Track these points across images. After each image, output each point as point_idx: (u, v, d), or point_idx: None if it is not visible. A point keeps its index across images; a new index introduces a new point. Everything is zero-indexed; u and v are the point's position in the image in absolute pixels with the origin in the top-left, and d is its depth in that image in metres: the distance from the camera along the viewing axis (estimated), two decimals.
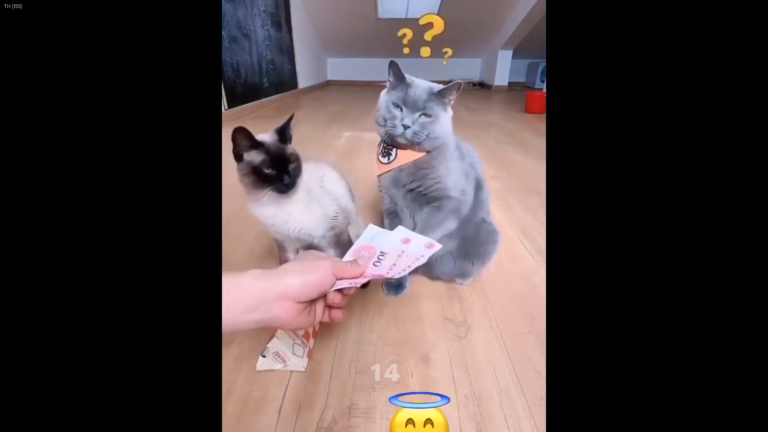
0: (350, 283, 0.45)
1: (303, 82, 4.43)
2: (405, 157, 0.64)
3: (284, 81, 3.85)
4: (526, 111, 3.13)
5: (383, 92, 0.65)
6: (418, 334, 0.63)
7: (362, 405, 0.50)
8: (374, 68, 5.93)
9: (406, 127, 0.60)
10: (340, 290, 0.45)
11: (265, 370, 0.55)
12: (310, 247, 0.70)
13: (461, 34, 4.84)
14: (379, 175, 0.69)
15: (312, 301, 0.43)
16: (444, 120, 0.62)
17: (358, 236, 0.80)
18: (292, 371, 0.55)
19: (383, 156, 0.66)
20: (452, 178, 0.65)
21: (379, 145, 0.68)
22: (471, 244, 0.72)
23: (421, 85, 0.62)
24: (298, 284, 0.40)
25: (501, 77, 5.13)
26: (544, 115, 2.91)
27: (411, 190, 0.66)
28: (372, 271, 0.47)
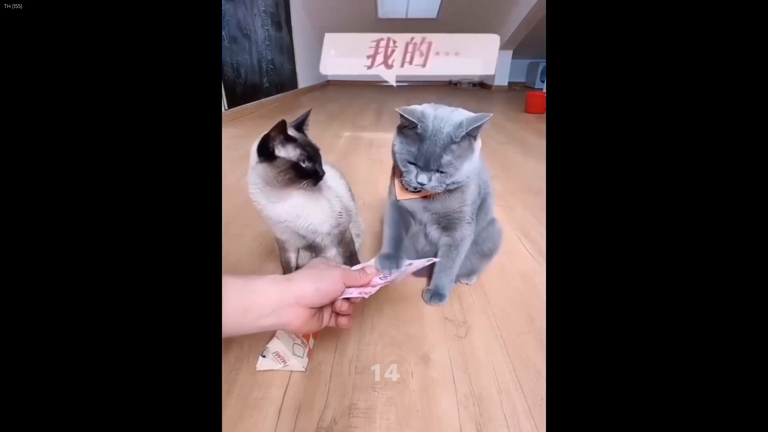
0: (359, 293, 0.47)
1: (303, 82, 4.43)
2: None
3: (284, 81, 3.85)
4: (526, 111, 3.13)
5: (396, 135, 0.57)
6: (418, 334, 0.63)
7: (362, 405, 0.50)
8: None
9: (422, 184, 0.54)
10: (347, 299, 0.46)
11: (265, 370, 0.55)
12: (312, 246, 0.70)
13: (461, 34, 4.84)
14: (401, 199, 0.63)
15: (320, 307, 0.44)
16: (467, 166, 0.54)
17: (358, 236, 0.80)
18: (292, 371, 0.55)
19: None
20: (469, 201, 0.63)
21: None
22: (480, 247, 0.72)
23: (437, 135, 0.51)
24: (311, 291, 0.42)
25: (501, 77, 5.13)
26: (544, 115, 2.90)
27: (434, 213, 0.64)
28: (378, 282, 0.50)
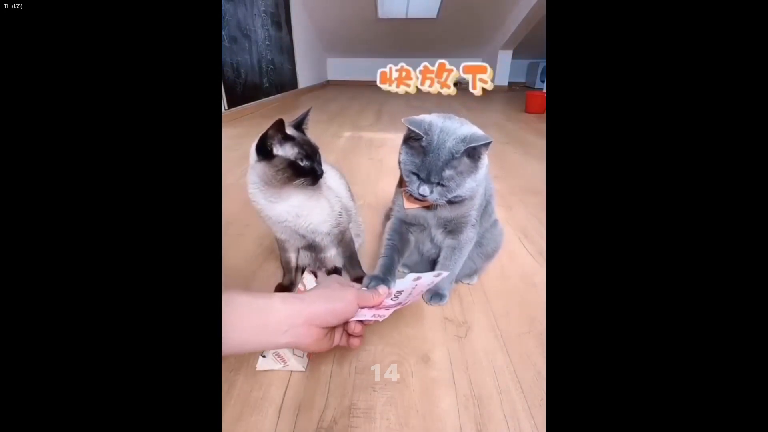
0: (372, 316, 0.48)
1: (303, 82, 4.42)
2: None
3: (284, 81, 3.84)
4: (526, 111, 3.13)
5: (402, 146, 0.57)
6: (418, 334, 0.63)
7: (362, 405, 0.50)
8: (374, 68, 5.90)
9: (424, 196, 0.54)
10: (360, 321, 0.47)
11: (265, 370, 0.55)
12: (312, 245, 0.70)
13: (461, 34, 4.84)
14: (408, 209, 0.64)
15: (333, 327, 0.45)
16: (470, 183, 0.54)
17: (358, 236, 0.80)
18: (292, 371, 0.55)
19: None
20: (476, 206, 0.64)
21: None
22: (484, 248, 0.73)
23: (440, 148, 0.51)
24: (324, 311, 0.42)
25: (501, 77, 5.13)
26: (544, 115, 2.90)
27: (441, 217, 0.64)
28: (389, 303, 0.51)
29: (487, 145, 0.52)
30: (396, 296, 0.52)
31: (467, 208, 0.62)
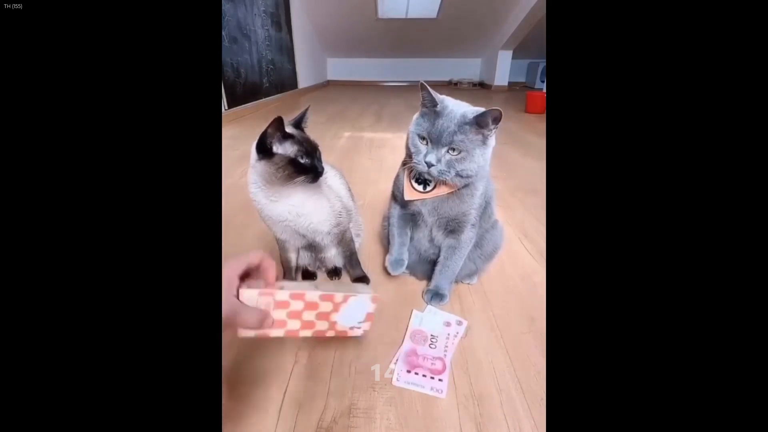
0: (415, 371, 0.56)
1: (303, 82, 4.42)
2: (443, 188, 0.60)
3: (284, 81, 3.85)
4: (526, 111, 3.12)
5: (415, 116, 0.59)
6: None
7: (362, 405, 0.50)
8: (374, 68, 5.94)
9: (430, 165, 0.54)
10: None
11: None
12: (312, 245, 0.70)
13: (461, 34, 4.84)
14: (410, 200, 0.64)
15: None
16: (478, 157, 0.54)
17: (358, 235, 0.80)
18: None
19: (418, 183, 0.61)
20: (476, 205, 0.64)
21: (410, 168, 0.61)
22: (483, 249, 0.73)
23: (452, 113, 0.54)
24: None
25: (501, 77, 5.13)
26: (544, 115, 2.90)
27: (442, 216, 0.64)
28: (432, 353, 0.58)
29: (496, 121, 0.52)
30: (432, 342, 0.58)
31: (468, 204, 0.62)
